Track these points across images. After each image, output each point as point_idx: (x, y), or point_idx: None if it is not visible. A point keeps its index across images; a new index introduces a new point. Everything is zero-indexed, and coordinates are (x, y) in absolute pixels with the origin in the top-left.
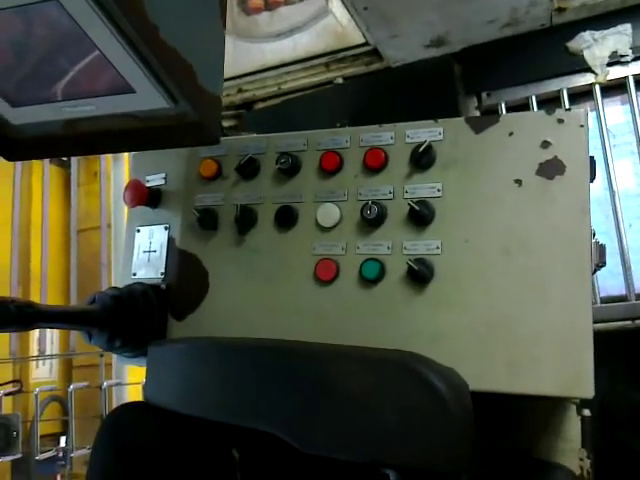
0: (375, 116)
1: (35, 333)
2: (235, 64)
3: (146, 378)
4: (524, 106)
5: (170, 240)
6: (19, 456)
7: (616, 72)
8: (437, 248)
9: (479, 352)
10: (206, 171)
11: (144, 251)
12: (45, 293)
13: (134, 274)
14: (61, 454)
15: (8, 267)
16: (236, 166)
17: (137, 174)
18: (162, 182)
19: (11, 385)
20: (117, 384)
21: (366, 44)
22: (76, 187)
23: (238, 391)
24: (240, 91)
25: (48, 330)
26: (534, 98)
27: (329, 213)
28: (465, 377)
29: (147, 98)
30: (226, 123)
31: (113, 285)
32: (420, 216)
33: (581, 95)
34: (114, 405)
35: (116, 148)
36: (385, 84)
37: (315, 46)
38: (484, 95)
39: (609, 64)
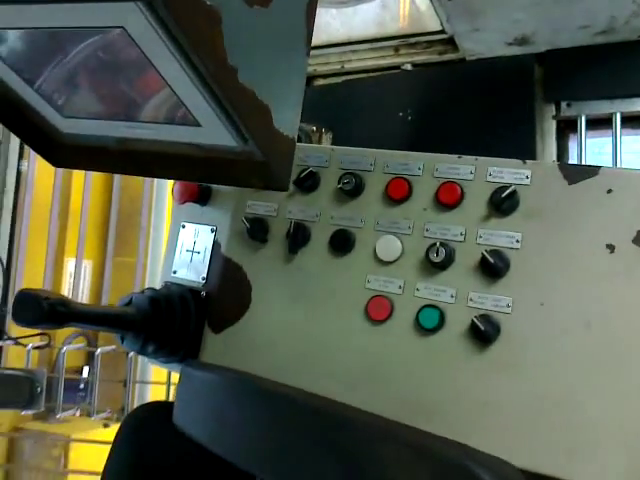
0: (442, 109)
1: (69, 275)
2: None
3: (176, 400)
4: (606, 121)
5: (216, 244)
6: (41, 410)
7: None
8: (507, 306)
9: (533, 427)
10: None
11: (187, 250)
12: (84, 229)
13: (174, 272)
14: (82, 385)
15: (49, 201)
16: (295, 178)
17: None
18: None
19: (39, 338)
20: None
21: (442, 32)
22: None
23: (273, 448)
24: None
25: (80, 278)
26: (619, 115)
27: (390, 245)
28: (512, 452)
29: (214, 134)
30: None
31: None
32: (492, 267)
33: None
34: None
35: (173, 174)
36: (457, 77)
37: (386, 27)
38: (564, 105)
39: None
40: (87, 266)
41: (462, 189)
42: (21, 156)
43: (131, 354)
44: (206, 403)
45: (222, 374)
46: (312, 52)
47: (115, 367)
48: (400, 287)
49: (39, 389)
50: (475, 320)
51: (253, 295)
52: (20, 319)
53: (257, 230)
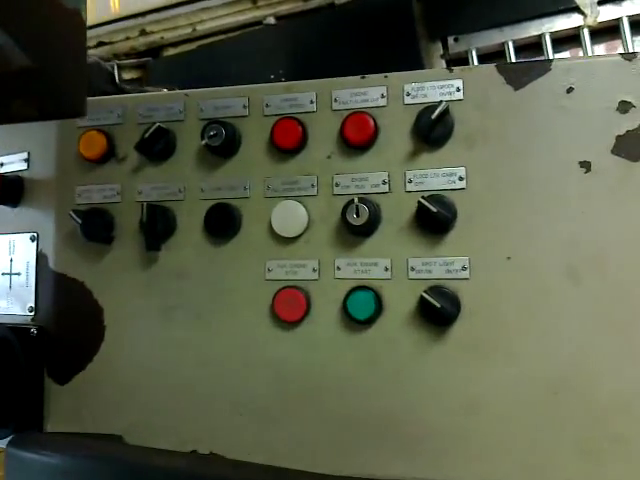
0: (318, 66)
1: None
2: None
3: None
4: (499, 53)
5: (41, 257)
6: None
7: (608, 13)
8: (463, 269)
9: (536, 427)
10: (89, 149)
11: (3, 273)
12: None
13: None
14: None
15: None
16: (138, 141)
17: None
18: (23, 166)
19: None
20: None
21: None
22: None
23: None
24: (143, 33)
25: None
26: (511, 44)
27: (291, 214)
28: (519, 468)
29: None
30: (126, 75)
31: None
32: (435, 218)
33: (566, 40)
34: None
35: None
36: (328, 26)
37: None
38: (451, 40)
39: (600, 2)
40: None
41: (374, 120)
42: None
43: None
44: None
45: (69, 453)
46: (155, 16)
47: None
48: (314, 270)
49: None
50: (425, 295)
51: (107, 320)
52: None
53: (96, 226)
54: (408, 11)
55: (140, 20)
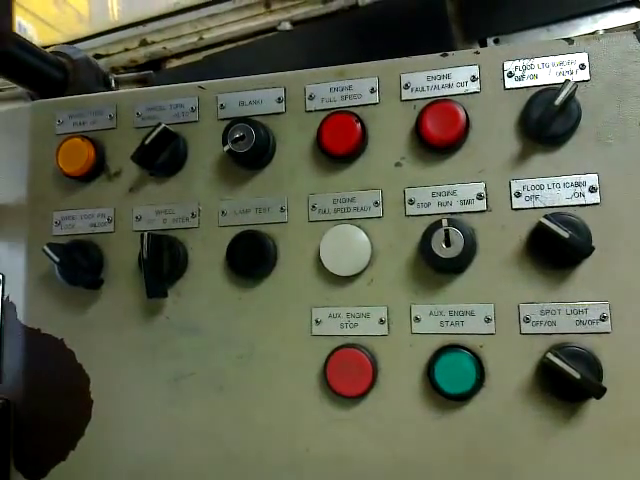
0: None
1: None
2: (134, 3)
3: None
4: None
5: (7, 307)
6: None
7: None
8: (602, 319)
9: None
10: (71, 162)
11: None
12: None
13: None
14: None
15: None
16: (136, 149)
17: None
18: None
19: None
20: None
21: None
22: None
23: None
24: (144, 44)
25: None
26: None
27: (347, 244)
28: None
29: None
30: (126, 89)
31: None
32: (564, 249)
33: None
34: None
35: None
36: (351, 30)
37: None
38: (490, 41)
39: None
40: None
41: (465, 110)
42: None
43: None
44: None
45: None
46: (157, 25)
47: None
48: (382, 321)
49: None
50: (553, 359)
51: (94, 393)
52: None
53: (79, 266)
54: (441, 11)
55: (140, 29)
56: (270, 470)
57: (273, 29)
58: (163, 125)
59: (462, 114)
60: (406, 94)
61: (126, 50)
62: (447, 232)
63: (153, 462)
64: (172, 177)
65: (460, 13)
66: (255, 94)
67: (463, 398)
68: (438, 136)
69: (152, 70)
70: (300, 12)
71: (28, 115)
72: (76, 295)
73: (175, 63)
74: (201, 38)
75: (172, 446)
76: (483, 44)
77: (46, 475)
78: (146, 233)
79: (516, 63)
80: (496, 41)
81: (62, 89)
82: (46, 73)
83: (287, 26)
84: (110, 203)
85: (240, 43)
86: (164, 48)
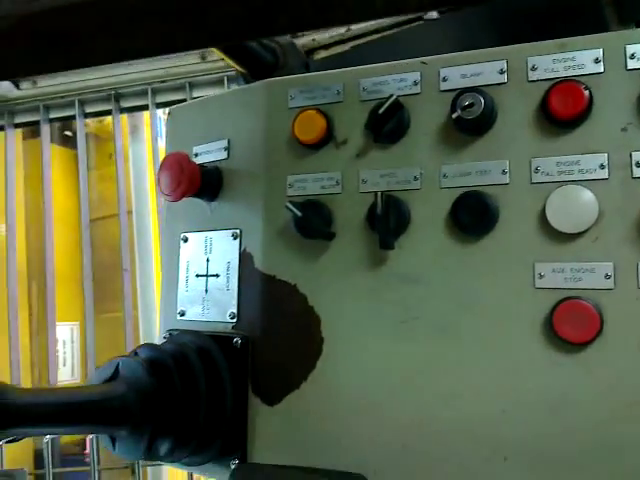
0: None
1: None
2: None
3: None
4: None
5: (244, 257)
6: None
7: None
8: None
9: None
10: (307, 132)
11: (197, 275)
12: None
13: (181, 313)
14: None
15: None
16: (369, 117)
17: (177, 143)
18: (223, 156)
19: None
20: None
21: None
22: (85, 170)
23: None
24: (295, 36)
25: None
26: None
27: (574, 203)
28: None
29: None
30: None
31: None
32: None
33: None
34: None
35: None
36: (499, 17)
37: None
38: None
39: None
40: (74, 328)
41: None
42: None
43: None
44: None
45: None
46: None
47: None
48: (607, 276)
49: None
50: None
51: (325, 332)
52: None
53: (313, 220)
54: None
55: None
56: (491, 402)
57: (419, 18)
58: (395, 96)
59: None
60: (632, 64)
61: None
62: None
63: (377, 395)
64: (395, 144)
65: None
66: (476, 67)
67: None
68: None
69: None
70: None
71: (261, 92)
72: (307, 247)
73: (322, 54)
74: (349, 29)
75: (396, 381)
76: None
77: (281, 401)
78: (380, 192)
79: None
80: None
81: (272, 71)
82: (262, 56)
83: (434, 15)
84: (338, 168)
85: (385, 33)
86: (313, 40)
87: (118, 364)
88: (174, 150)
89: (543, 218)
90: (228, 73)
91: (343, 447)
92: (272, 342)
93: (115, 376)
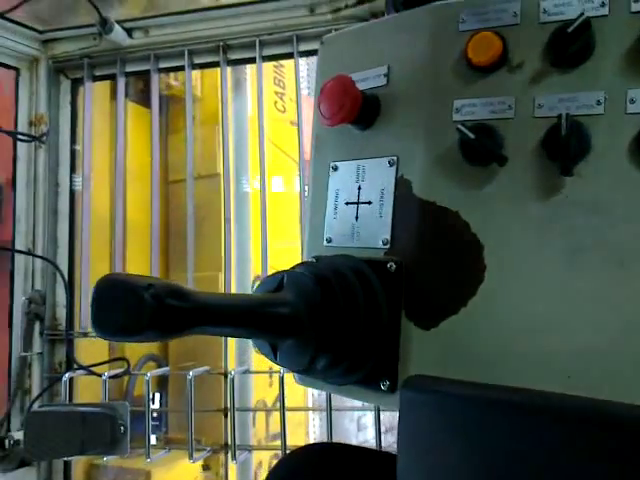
0: None
1: None
2: None
3: (399, 434)
4: None
5: (400, 184)
6: (126, 455)
7: None
8: None
9: None
10: (482, 53)
11: (347, 202)
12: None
13: (328, 240)
14: (155, 414)
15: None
16: (552, 38)
17: (330, 72)
18: (382, 82)
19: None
20: (245, 371)
21: None
22: (157, 125)
23: None
24: None
25: None
26: None
27: None
28: None
29: None
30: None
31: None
32: None
33: None
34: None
35: None
36: None
37: None
38: None
39: None
40: None
41: None
42: (72, 170)
43: (232, 374)
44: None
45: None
46: None
47: (202, 393)
48: None
49: (122, 429)
50: None
51: (488, 259)
52: (105, 327)
53: (481, 146)
54: None
55: None
56: None
57: None
58: (586, 15)
59: None
60: None
61: None
62: None
63: (543, 325)
64: (576, 68)
65: None
66: None
67: None
68: None
69: None
70: None
71: (426, 17)
72: (472, 173)
73: None
74: None
75: (564, 313)
76: None
77: (437, 326)
78: (565, 114)
79: None
80: None
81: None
82: None
83: None
84: (511, 92)
85: None
86: None
87: (283, 277)
88: (326, 79)
89: None
90: (336, 26)
91: (500, 372)
92: (428, 268)
93: (280, 286)
